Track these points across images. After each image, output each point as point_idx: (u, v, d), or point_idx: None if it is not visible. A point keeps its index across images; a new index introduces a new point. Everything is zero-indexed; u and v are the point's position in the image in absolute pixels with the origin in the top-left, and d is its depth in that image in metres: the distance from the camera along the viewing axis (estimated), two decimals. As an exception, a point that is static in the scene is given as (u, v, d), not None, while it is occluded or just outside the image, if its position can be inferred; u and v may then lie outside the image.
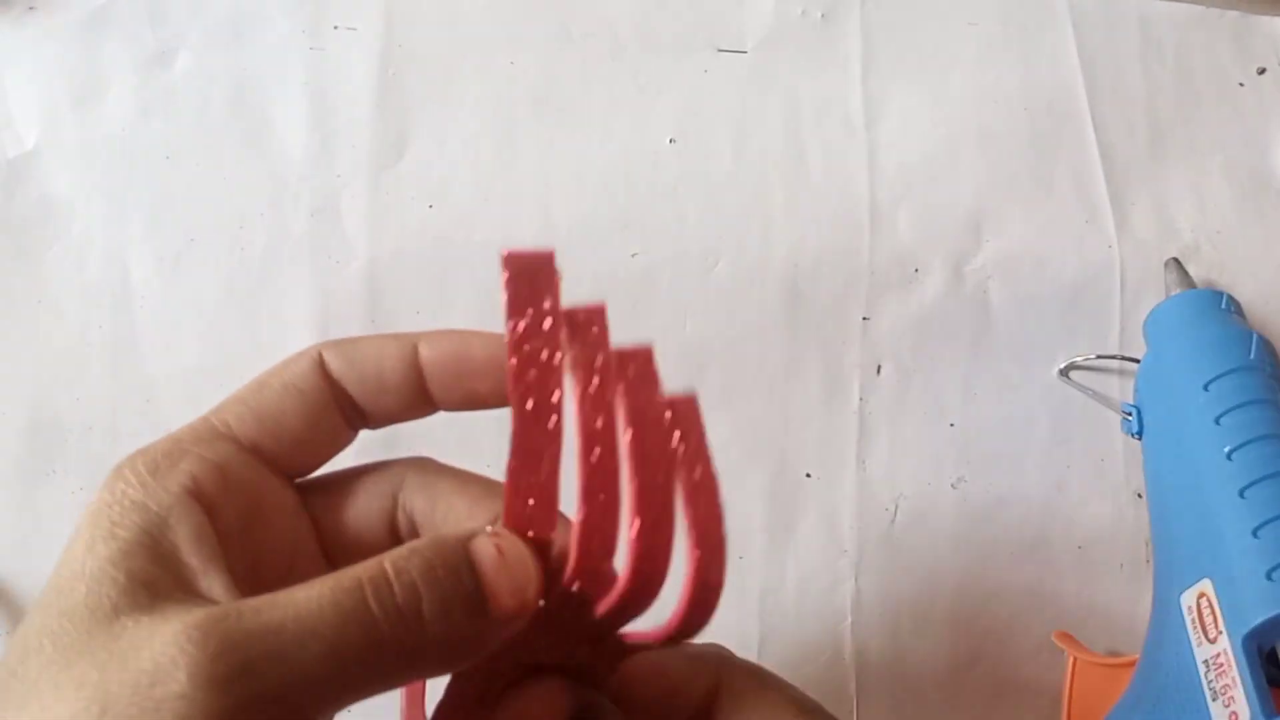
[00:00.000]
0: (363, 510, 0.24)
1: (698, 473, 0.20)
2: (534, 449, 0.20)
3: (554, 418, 0.20)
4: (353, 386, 0.24)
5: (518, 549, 0.19)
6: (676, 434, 0.20)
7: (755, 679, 0.23)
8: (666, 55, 0.44)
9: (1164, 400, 0.38)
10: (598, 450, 0.20)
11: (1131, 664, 0.35)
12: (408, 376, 0.24)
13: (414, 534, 0.24)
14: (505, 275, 0.20)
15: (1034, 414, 0.41)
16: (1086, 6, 0.45)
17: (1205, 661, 0.32)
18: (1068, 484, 0.40)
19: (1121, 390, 0.41)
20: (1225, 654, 0.31)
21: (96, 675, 0.18)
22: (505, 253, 0.20)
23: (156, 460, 0.22)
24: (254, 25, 0.44)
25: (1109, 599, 0.39)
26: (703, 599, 0.20)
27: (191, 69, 0.43)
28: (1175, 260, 0.41)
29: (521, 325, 0.20)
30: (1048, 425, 0.41)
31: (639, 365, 0.21)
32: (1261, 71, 0.45)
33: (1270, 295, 0.42)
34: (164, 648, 0.18)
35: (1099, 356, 0.41)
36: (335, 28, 0.44)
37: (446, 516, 0.24)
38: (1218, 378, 0.36)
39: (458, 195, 0.42)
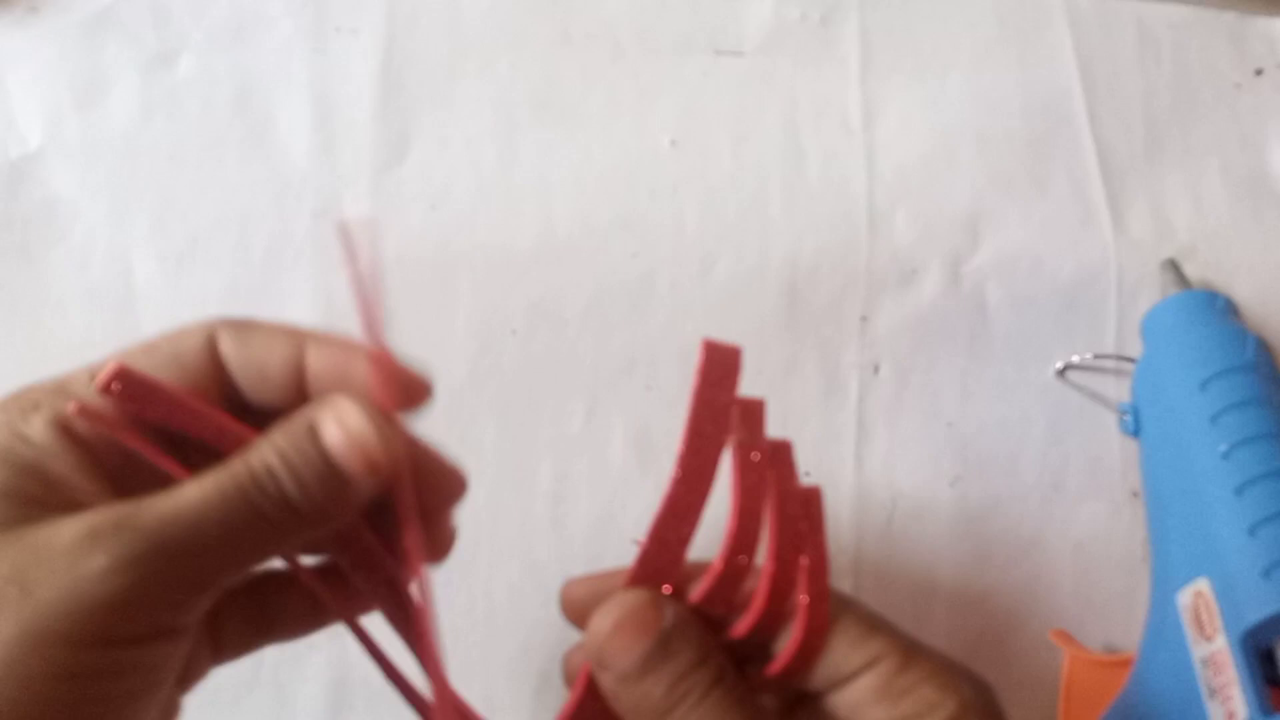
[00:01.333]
0: (184, 361, 0.25)
1: (815, 553, 0.25)
2: (684, 510, 0.24)
3: (707, 488, 0.24)
4: (237, 372, 0.25)
5: (356, 418, 0.22)
6: (803, 520, 0.25)
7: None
8: (666, 57, 0.44)
9: (1161, 400, 0.38)
10: (746, 520, 0.24)
11: (1128, 662, 0.35)
12: (290, 377, 0.25)
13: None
14: (702, 359, 0.24)
15: (1031, 413, 0.41)
16: (1083, 8, 0.45)
17: (1202, 660, 0.32)
18: (1064, 483, 0.40)
19: (1118, 390, 0.41)
20: (1222, 652, 0.31)
21: (7, 563, 0.20)
22: (705, 341, 0.24)
23: (33, 401, 0.23)
24: (256, 27, 0.44)
25: (1105, 597, 0.39)
26: (809, 653, 0.24)
27: (194, 70, 0.43)
28: (1172, 261, 0.41)
29: (704, 405, 0.24)
30: (1044, 425, 0.41)
31: (783, 456, 0.25)
32: (1258, 73, 0.45)
33: (1266, 295, 0.42)
34: (76, 537, 0.20)
35: (1096, 356, 0.41)
36: (337, 29, 0.44)
37: (262, 359, 0.25)
38: (1214, 377, 0.36)
39: (459, 196, 0.43)
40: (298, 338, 0.25)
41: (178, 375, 0.24)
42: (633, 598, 0.23)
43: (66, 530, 0.21)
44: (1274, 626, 0.31)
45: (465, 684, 0.26)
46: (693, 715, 0.23)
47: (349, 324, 0.40)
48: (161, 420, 0.23)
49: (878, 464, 0.40)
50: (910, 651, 0.24)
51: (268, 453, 0.22)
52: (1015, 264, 0.42)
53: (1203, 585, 0.33)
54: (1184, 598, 0.33)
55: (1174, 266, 0.41)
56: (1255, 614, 0.31)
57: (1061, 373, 0.41)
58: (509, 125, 0.43)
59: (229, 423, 0.24)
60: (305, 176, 0.42)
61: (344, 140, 0.43)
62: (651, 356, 0.41)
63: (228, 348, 0.25)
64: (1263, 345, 0.38)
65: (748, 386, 0.41)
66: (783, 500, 0.24)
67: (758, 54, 0.45)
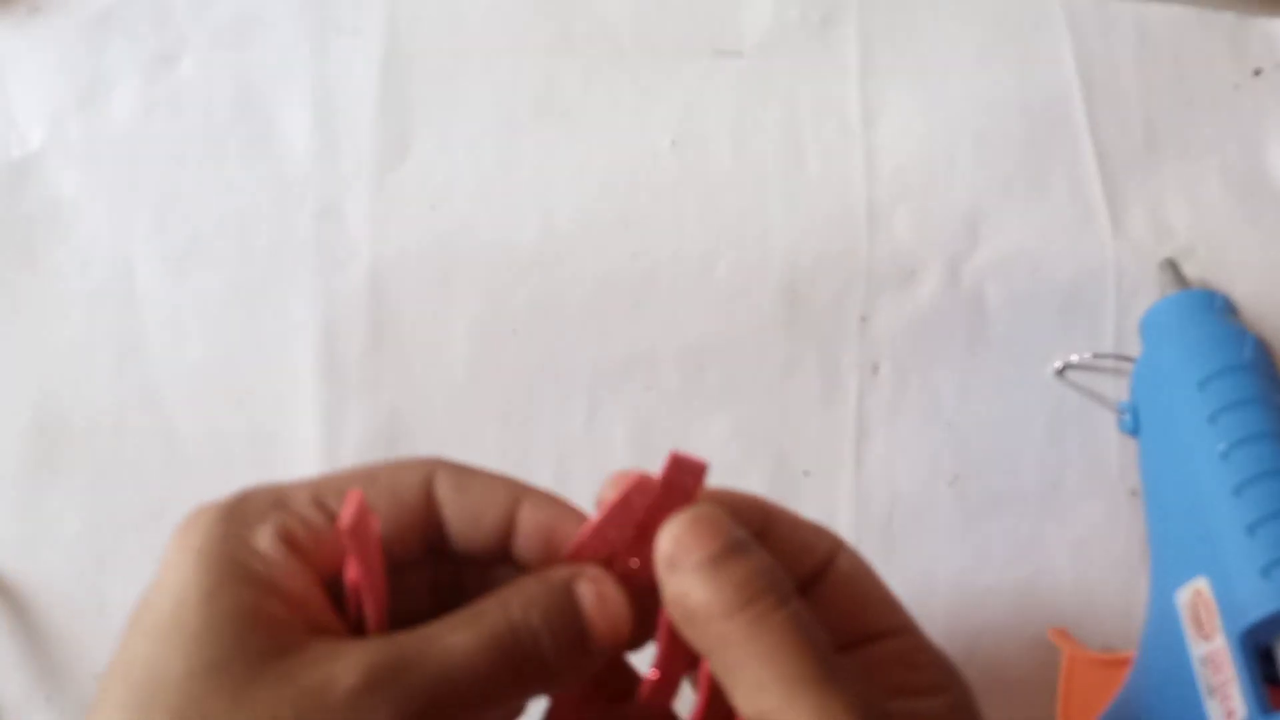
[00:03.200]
0: (401, 498, 0.25)
1: None
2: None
3: None
4: (451, 516, 0.25)
5: (613, 591, 0.23)
6: None
7: None
8: (666, 58, 0.44)
9: (1159, 399, 0.38)
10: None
11: (1126, 661, 0.35)
12: (501, 528, 0.25)
13: (439, 519, 0.25)
14: (664, 474, 0.23)
15: (1030, 413, 0.41)
16: (1082, 8, 0.46)
17: (1201, 658, 0.32)
18: (1063, 482, 0.40)
19: (1117, 389, 0.41)
20: (1221, 651, 0.31)
21: (288, 707, 0.20)
22: (673, 454, 0.23)
23: (256, 512, 0.23)
24: (258, 27, 0.44)
25: (1104, 596, 0.39)
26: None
27: (195, 71, 0.44)
28: (1170, 261, 0.41)
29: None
30: (1043, 424, 0.41)
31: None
32: (1257, 73, 0.45)
33: (1265, 295, 0.42)
34: (356, 686, 0.20)
35: (1095, 356, 0.41)
36: (338, 30, 0.44)
37: (478, 508, 0.25)
38: (1212, 377, 0.36)
39: (460, 197, 0.43)
40: (515, 490, 0.25)
41: (394, 509, 0.24)
42: (701, 508, 0.23)
43: (342, 674, 0.21)
44: (1273, 625, 0.31)
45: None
46: (761, 623, 0.22)
47: (348, 325, 0.41)
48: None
49: (877, 464, 0.40)
50: (926, 637, 0.25)
51: (530, 610, 0.22)
52: (1014, 264, 0.42)
53: (1201, 584, 0.33)
54: (1183, 596, 0.33)
55: (1172, 266, 0.41)
56: (1254, 613, 0.31)
57: (1060, 372, 0.41)
58: (509, 126, 0.44)
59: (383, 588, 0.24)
60: (306, 177, 0.43)
61: (345, 141, 0.43)
62: (651, 356, 0.41)
63: (444, 491, 0.25)
64: (1261, 345, 0.38)
65: (746, 385, 0.42)
66: None
67: (757, 54, 0.45)
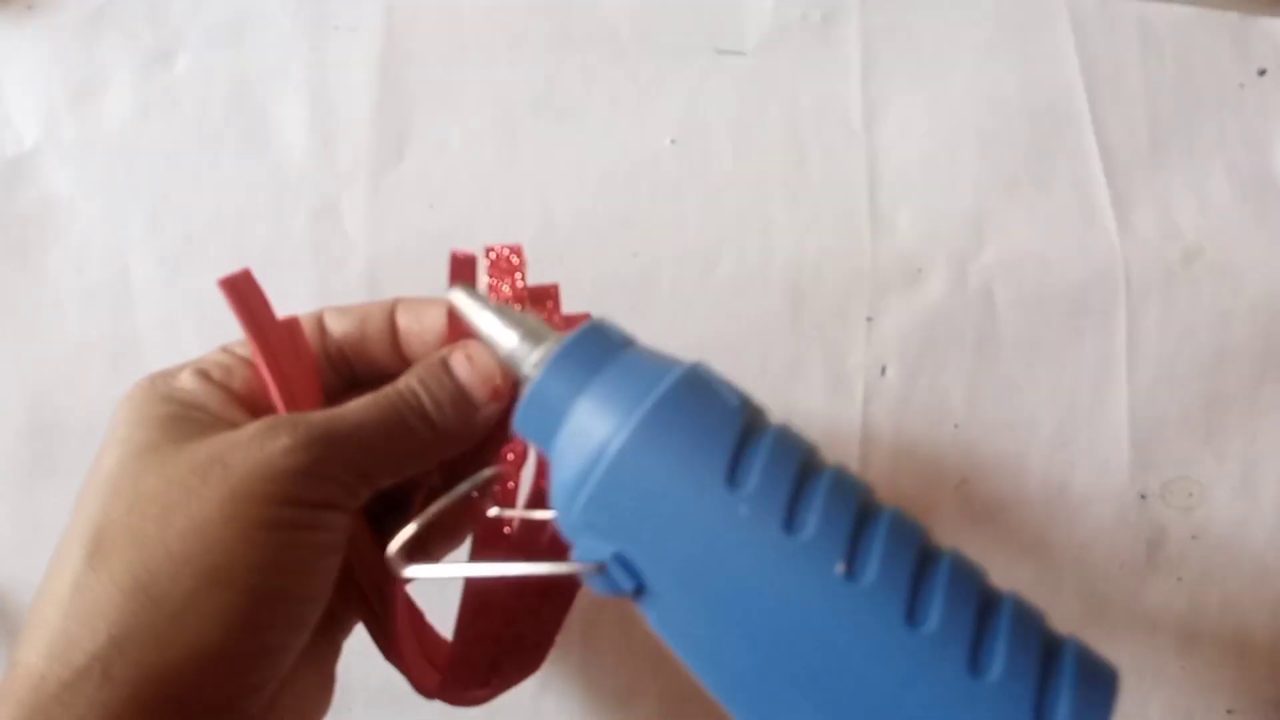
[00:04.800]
0: (372, 325, 0.31)
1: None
2: None
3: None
4: (343, 338, 0.31)
5: (481, 354, 0.28)
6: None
7: None
8: (667, 57, 0.44)
9: None
10: None
11: None
12: (387, 333, 0.31)
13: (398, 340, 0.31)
14: (488, 263, 0.29)
15: (1038, 415, 0.41)
16: (1085, 8, 0.45)
17: None
18: (1070, 485, 0.40)
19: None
20: None
21: (205, 452, 0.25)
22: (485, 247, 0.29)
23: (174, 370, 0.29)
24: (254, 25, 0.44)
25: (1108, 598, 0.39)
26: None
27: (191, 68, 0.43)
28: None
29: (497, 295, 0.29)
30: (1051, 427, 0.41)
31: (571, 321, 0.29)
32: (1262, 73, 0.45)
33: (1273, 295, 0.42)
34: (260, 429, 0.25)
35: None
36: (336, 28, 0.44)
37: (357, 323, 0.31)
38: None
39: (458, 195, 0.42)
40: (388, 303, 0.31)
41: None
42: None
43: (249, 426, 0.26)
44: None
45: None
46: None
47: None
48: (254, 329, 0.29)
49: (882, 466, 0.40)
50: None
51: (411, 379, 0.28)
52: (1021, 264, 0.42)
53: None
54: None
55: None
56: None
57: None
58: (508, 124, 0.43)
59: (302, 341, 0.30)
60: (303, 175, 0.42)
61: (342, 139, 0.43)
62: (652, 357, 0.41)
63: (332, 322, 0.31)
64: None
65: (749, 386, 0.41)
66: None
67: (759, 53, 0.44)
